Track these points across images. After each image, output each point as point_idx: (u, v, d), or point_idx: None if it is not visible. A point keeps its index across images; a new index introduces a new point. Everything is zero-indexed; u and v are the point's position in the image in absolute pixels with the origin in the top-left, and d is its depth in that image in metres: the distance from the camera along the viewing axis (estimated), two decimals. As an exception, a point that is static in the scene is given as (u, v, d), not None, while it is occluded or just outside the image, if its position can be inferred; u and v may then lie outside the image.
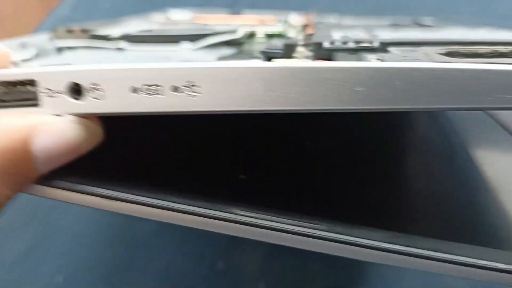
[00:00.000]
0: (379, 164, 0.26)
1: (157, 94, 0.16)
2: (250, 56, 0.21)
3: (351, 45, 0.20)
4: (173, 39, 0.24)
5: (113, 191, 0.18)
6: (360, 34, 0.23)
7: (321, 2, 0.55)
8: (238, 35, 0.25)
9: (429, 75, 0.15)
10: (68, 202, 0.18)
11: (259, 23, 0.32)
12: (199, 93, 0.16)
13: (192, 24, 0.34)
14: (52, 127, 0.16)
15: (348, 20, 0.38)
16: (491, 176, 0.26)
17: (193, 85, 0.16)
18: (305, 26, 0.32)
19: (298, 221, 0.17)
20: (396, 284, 0.38)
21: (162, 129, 0.23)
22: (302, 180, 0.23)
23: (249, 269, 0.39)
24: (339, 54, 0.19)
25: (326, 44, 0.20)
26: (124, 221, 0.42)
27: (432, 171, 0.27)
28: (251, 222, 0.17)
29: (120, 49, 0.24)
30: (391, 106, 0.15)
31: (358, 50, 0.20)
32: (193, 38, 0.24)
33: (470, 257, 0.17)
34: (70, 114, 0.16)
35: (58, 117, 0.16)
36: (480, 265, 0.17)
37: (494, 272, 0.17)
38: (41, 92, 0.16)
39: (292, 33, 0.28)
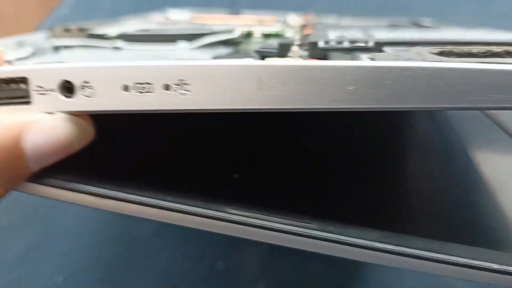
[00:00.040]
0: (374, 163, 0.26)
1: (149, 92, 0.16)
2: (246, 55, 0.21)
3: (346, 44, 0.20)
4: (170, 38, 0.24)
5: (105, 190, 0.18)
6: (356, 34, 0.23)
7: (321, 2, 0.55)
8: (235, 34, 0.25)
9: (420, 74, 0.15)
10: (61, 200, 0.18)
11: (257, 23, 0.32)
12: (191, 91, 0.16)
13: (190, 24, 0.34)
14: (43, 124, 0.16)
15: (347, 21, 0.38)
16: (488, 176, 0.26)
17: (184, 83, 0.16)
18: (303, 27, 0.32)
19: (290, 220, 0.17)
20: (396, 284, 0.38)
21: (156, 128, 0.24)
22: (295, 179, 0.23)
23: (249, 269, 0.39)
24: (333, 54, 0.19)
25: (321, 44, 0.20)
26: (124, 221, 0.42)
27: (428, 171, 0.27)
28: (243, 221, 0.17)
29: (116, 48, 0.24)
30: (383, 105, 0.15)
31: (352, 50, 0.20)
32: (190, 37, 0.24)
33: (463, 257, 0.17)
34: (61, 112, 0.16)
35: (50, 115, 0.16)
36: (473, 265, 0.16)
37: (488, 273, 0.16)
38: (33, 90, 0.16)
39: (289, 33, 0.28)
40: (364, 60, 0.17)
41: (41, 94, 0.16)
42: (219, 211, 0.17)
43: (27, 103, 0.16)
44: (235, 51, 0.23)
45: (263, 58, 0.20)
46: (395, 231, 0.18)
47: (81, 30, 0.26)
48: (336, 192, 0.23)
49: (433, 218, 0.22)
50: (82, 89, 0.16)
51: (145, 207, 0.18)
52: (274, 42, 0.21)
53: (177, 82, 0.16)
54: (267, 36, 0.28)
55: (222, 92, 0.16)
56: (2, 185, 0.16)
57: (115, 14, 0.40)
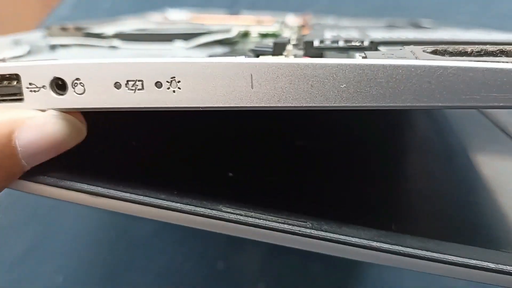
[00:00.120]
0: (371, 163, 0.26)
1: (140, 89, 0.16)
2: (241, 54, 0.21)
3: (341, 44, 0.20)
4: (167, 37, 0.24)
5: (98, 188, 0.18)
6: (352, 34, 0.22)
7: (321, 2, 0.55)
8: (232, 34, 0.25)
9: (413, 72, 0.15)
10: (55, 198, 0.18)
11: (255, 24, 0.32)
12: (183, 88, 0.16)
13: (188, 23, 0.34)
14: (35, 121, 0.16)
15: (345, 22, 0.38)
16: (486, 176, 0.25)
17: (176, 81, 0.16)
18: (301, 27, 0.32)
19: (285, 218, 0.17)
20: (396, 284, 0.38)
21: (150, 126, 0.24)
22: (290, 178, 0.23)
23: (249, 269, 0.39)
24: (328, 53, 0.19)
25: (316, 43, 0.20)
26: (124, 221, 0.42)
27: (426, 170, 0.27)
28: (237, 220, 0.17)
29: (113, 47, 0.24)
30: (376, 103, 0.15)
31: (347, 49, 0.20)
32: (187, 37, 0.24)
33: (460, 257, 0.17)
34: (53, 109, 0.16)
35: (42, 112, 0.16)
36: (471, 264, 0.16)
37: (485, 272, 0.16)
38: (25, 87, 0.16)
39: (287, 34, 0.28)
40: (357, 58, 0.17)
41: (33, 91, 0.16)
42: (213, 210, 0.17)
43: (19, 100, 0.16)
44: (231, 50, 0.23)
45: (257, 56, 0.20)
46: (391, 231, 0.17)
47: (78, 29, 0.26)
48: (331, 191, 0.23)
49: (430, 218, 0.22)
50: (74, 86, 0.16)
51: (139, 205, 0.18)
52: (269, 41, 0.21)
53: (168, 79, 0.16)
54: (264, 36, 0.28)
55: (214, 89, 0.16)
56: None
57: (115, 14, 0.40)
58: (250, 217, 0.17)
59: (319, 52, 0.20)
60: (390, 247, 0.17)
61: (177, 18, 0.39)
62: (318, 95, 0.15)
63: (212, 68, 0.15)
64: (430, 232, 0.18)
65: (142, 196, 0.17)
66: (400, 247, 0.17)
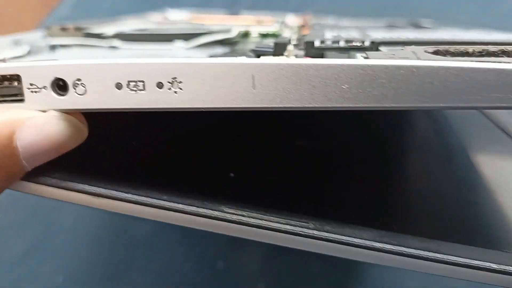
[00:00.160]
0: (372, 163, 0.26)
1: (141, 90, 0.16)
2: (242, 54, 0.21)
3: (342, 44, 0.20)
4: (167, 37, 0.24)
5: (100, 188, 0.18)
6: (353, 34, 0.22)
7: (321, 3, 0.55)
8: (232, 34, 0.25)
9: (414, 73, 0.15)
10: (56, 199, 0.18)
11: (255, 24, 0.31)
12: (184, 89, 0.16)
13: (188, 24, 0.34)
14: (36, 122, 0.16)
15: (345, 22, 0.38)
16: (487, 176, 0.25)
17: (177, 81, 0.16)
18: (301, 27, 0.32)
19: (287, 219, 0.17)
20: (396, 284, 0.38)
21: (151, 127, 0.23)
22: (292, 178, 0.23)
23: (249, 269, 0.39)
24: (329, 53, 0.19)
25: (317, 43, 0.20)
26: (124, 221, 0.42)
27: (427, 171, 0.27)
28: (239, 220, 0.17)
29: (113, 47, 0.24)
30: (378, 104, 0.15)
31: (348, 49, 0.19)
32: (187, 37, 0.24)
33: (462, 257, 0.17)
34: (54, 110, 0.16)
35: (43, 112, 0.16)
36: (472, 265, 0.16)
37: (487, 273, 0.16)
38: (26, 88, 0.16)
39: (287, 34, 0.28)
40: (358, 59, 0.17)
41: (34, 92, 0.16)
42: (215, 210, 0.17)
43: (20, 101, 0.16)
44: (232, 50, 0.23)
45: (258, 56, 0.19)
46: (393, 231, 0.17)
47: (78, 29, 0.26)
48: (333, 191, 0.23)
49: (431, 218, 0.22)
50: (75, 87, 0.16)
51: (141, 206, 0.17)
52: (270, 42, 0.21)
53: (170, 80, 0.15)
54: (264, 36, 0.28)
55: (215, 90, 0.15)
56: None
57: (115, 14, 0.40)
58: (253, 217, 0.17)
59: (319, 53, 0.20)
60: (393, 248, 0.17)
61: (177, 18, 0.39)
62: (320, 96, 0.15)
63: (214, 69, 0.15)
64: (431, 233, 0.18)
65: (144, 197, 0.17)
66: (402, 247, 0.17)
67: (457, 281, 0.17)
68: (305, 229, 0.17)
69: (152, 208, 0.18)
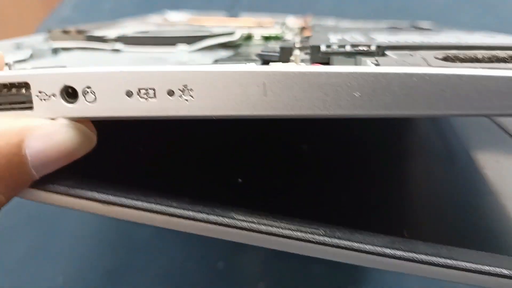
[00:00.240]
0: (379, 168, 0.26)
1: (152, 98, 0.15)
2: (247, 58, 0.21)
3: (348, 48, 0.20)
4: (170, 41, 0.24)
5: (109, 196, 0.17)
6: (357, 37, 0.22)
7: (321, 3, 0.55)
8: (235, 37, 0.25)
9: (427, 81, 0.15)
10: (63, 207, 0.18)
11: (256, 25, 0.31)
12: (195, 97, 0.15)
13: (189, 25, 0.34)
14: (45, 130, 0.16)
15: (345, 23, 0.38)
16: (494, 180, 0.25)
17: (188, 89, 0.15)
18: (302, 29, 0.32)
19: (297, 225, 0.17)
20: (397, 285, 0.38)
21: (160, 134, 0.23)
22: (301, 184, 0.23)
23: (250, 269, 0.39)
24: (336, 58, 0.19)
25: (323, 48, 0.20)
26: (125, 223, 0.42)
27: (434, 175, 0.27)
28: (249, 227, 0.17)
29: (116, 50, 0.24)
30: (390, 112, 0.15)
31: (355, 54, 0.19)
32: (190, 40, 0.24)
33: (473, 263, 0.16)
34: (63, 117, 0.16)
35: (52, 120, 0.16)
36: (483, 271, 0.16)
37: (498, 278, 0.16)
38: (35, 95, 0.16)
39: (289, 36, 0.28)
40: (370, 66, 0.17)
41: (43, 99, 0.16)
42: (225, 217, 0.17)
43: (29, 108, 0.16)
44: (235, 54, 0.23)
45: (265, 62, 0.19)
46: (403, 237, 0.17)
47: (80, 32, 0.26)
48: (343, 197, 0.23)
49: (441, 223, 0.22)
50: (85, 95, 0.16)
51: (150, 213, 0.17)
52: (275, 46, 0.21)
53: (181, 87, 0.15)
54: (267, 38, 0.28)
55: (227, 97, 0.15)
56: (3, 192, 0.16)
57: (115, 14, 0.39)
58: (263, 224, 0.17)
59: (326, 57, 0.19)
60: (404, 254, 0.17)
61: (176, 19, 0.38)
62: (331, 104, 0.15)
63: (225, 76, 0.15)
64: (442, 238, 0.18)
65: (153, 204, 0.17)
66: (413, 253, 0.17)
67: (458, 284, 0.17)
68: (316, 236, 0.17)
69: (162, 216, 0.17)
